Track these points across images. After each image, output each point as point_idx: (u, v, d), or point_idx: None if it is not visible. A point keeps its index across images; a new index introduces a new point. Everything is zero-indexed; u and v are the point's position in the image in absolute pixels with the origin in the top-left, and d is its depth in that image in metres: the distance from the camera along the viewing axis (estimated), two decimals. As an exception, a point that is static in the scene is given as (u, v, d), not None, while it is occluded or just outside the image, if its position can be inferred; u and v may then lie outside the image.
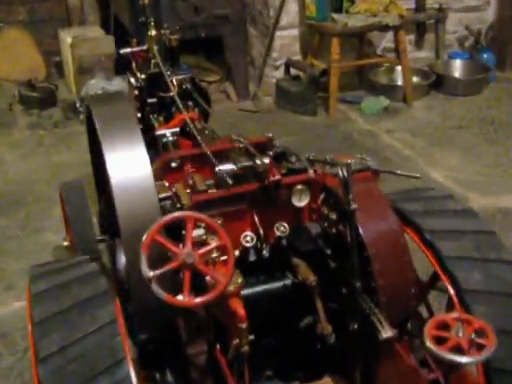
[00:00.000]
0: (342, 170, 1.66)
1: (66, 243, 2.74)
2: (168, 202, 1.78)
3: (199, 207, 1.71)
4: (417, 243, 1.85)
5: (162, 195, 1.78)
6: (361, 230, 1.69)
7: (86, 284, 1.61)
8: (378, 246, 1.69)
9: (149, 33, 2.47)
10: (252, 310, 1.66)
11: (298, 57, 5.30)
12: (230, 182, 1.76)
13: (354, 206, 1.64)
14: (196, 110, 2.42)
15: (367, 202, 1.76)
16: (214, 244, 1.51)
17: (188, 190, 1.84)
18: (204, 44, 5.53)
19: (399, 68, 5.29)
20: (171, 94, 2.30)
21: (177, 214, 1.50)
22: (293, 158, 1.90)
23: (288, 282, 1.82)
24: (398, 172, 1.84)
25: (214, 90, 5.49)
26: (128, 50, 2.57)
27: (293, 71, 5.22)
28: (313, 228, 1.86)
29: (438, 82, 5.31)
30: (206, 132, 2.35)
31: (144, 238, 1.44)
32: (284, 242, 1.82)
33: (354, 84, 5.51)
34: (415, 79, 5.39)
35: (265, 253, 1.81)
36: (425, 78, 5.39)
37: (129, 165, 1.63)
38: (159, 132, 2.26)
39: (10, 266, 3.37)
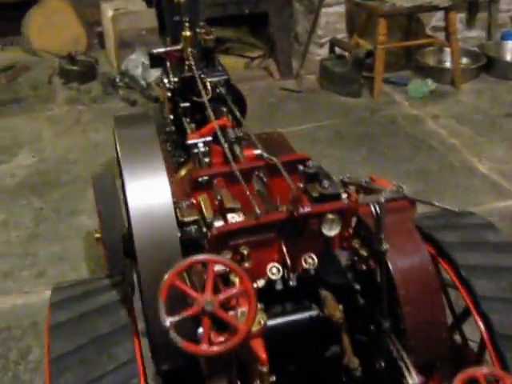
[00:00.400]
0: (374, 206, 1.57)
1: (97, 235, 2.71)
2: (194, 228, 1.71)
3: (224, 237, 1.65)
4: (451, 277, 1.76)
5: (188, 219, 1.72)
6: (391, 269, 1.61)
7: (106, 316, 1.56)
8: (408, 287, 1.61)
9: (183, 33, 2.37)
10: (275, 341, 1.60)
11: (343, 34, 5.16)
12: (259, 212, 1.69)
13: (385, 246, 1.56)
14: (230, 115, 2.33)
15: (399, 238, 1.67)
16: (235, 290, 1.45)
17: (216, 201, 1.77)
18: (248, 17, 5.39)
19: (448, 49, 5.08)
20: (203, 99, 2.22)
21: (198, 257, 1.44)
22: (325, 181, 1.81)
23: (314, 314, 1.75)
24: (436, 204, 1.74)
25: (255, 66, 5.40)
26: (161, 49, 2.48)
27: (338, 50, 5.09)
28: (342, 258, 1.78)
29: (488, 65, 5.11)
30: (240, 134, 2.27)
31: (161, 283, 1.38)
32: (312, 272, 1.74)
33: (401, 63, 5.34)
34: (464, 61, 5.20)
35: (291, 283, 1.74)
36: (475, 61, 5.19)
37: (149, 197, 1.57)
38: (191, 141, 2.19)
39: (42, 251, 3.37)
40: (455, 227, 1.89)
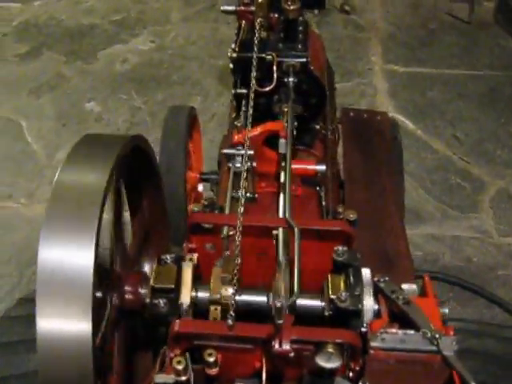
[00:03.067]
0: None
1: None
2: (163, 301, 1.43)
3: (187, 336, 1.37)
4: None
5: (160, 286, 1.43)
6: None
7: None
8: None
9: None
10: None
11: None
12: (231, 323, 1.35)
13: None
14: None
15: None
16: None
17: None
18: None
19: None
20: (262, 90, 1.82)
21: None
22: (344, 294, 1.42)
23: None
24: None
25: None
26: (230, 8, 2.03)
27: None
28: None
29: None
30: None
31: None
32: None
33: None
34: None
35: None
36: None
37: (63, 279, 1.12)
38: (226, 151, 1.85)
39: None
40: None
